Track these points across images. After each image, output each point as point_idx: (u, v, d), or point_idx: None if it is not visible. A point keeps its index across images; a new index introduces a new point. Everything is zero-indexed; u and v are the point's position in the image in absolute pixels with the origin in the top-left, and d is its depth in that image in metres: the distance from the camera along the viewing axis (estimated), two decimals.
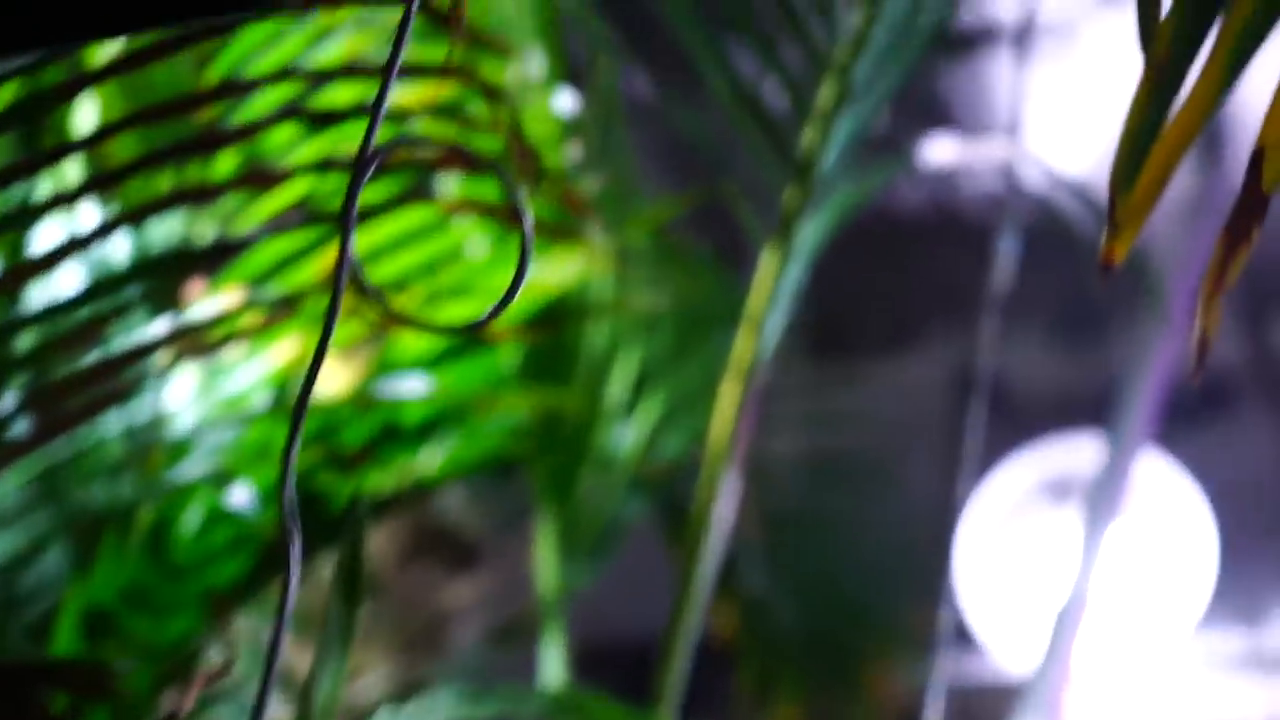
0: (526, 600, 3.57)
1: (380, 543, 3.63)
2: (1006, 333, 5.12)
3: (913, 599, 2.99)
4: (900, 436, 2.92)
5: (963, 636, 5.37)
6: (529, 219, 0.80)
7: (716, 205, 2.00)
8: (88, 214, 1.76)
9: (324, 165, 1.52)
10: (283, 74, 1.53)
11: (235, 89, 1.55)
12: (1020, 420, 5.73)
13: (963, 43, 3.76)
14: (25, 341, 1.75)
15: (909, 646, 2.99)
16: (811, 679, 2.96)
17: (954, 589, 5.04)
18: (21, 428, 1.97)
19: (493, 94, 1.33)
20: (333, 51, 1.62)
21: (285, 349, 1.71)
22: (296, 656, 3.38)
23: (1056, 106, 3.79)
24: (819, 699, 2.98)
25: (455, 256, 1.68)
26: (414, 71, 1.47)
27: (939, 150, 2.15)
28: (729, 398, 1.84)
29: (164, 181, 1.69)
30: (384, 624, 3.57)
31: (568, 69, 1.95)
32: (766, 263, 1.85)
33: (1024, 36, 2.40)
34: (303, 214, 1.60)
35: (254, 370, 1.77)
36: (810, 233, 1.85)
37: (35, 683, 0.96)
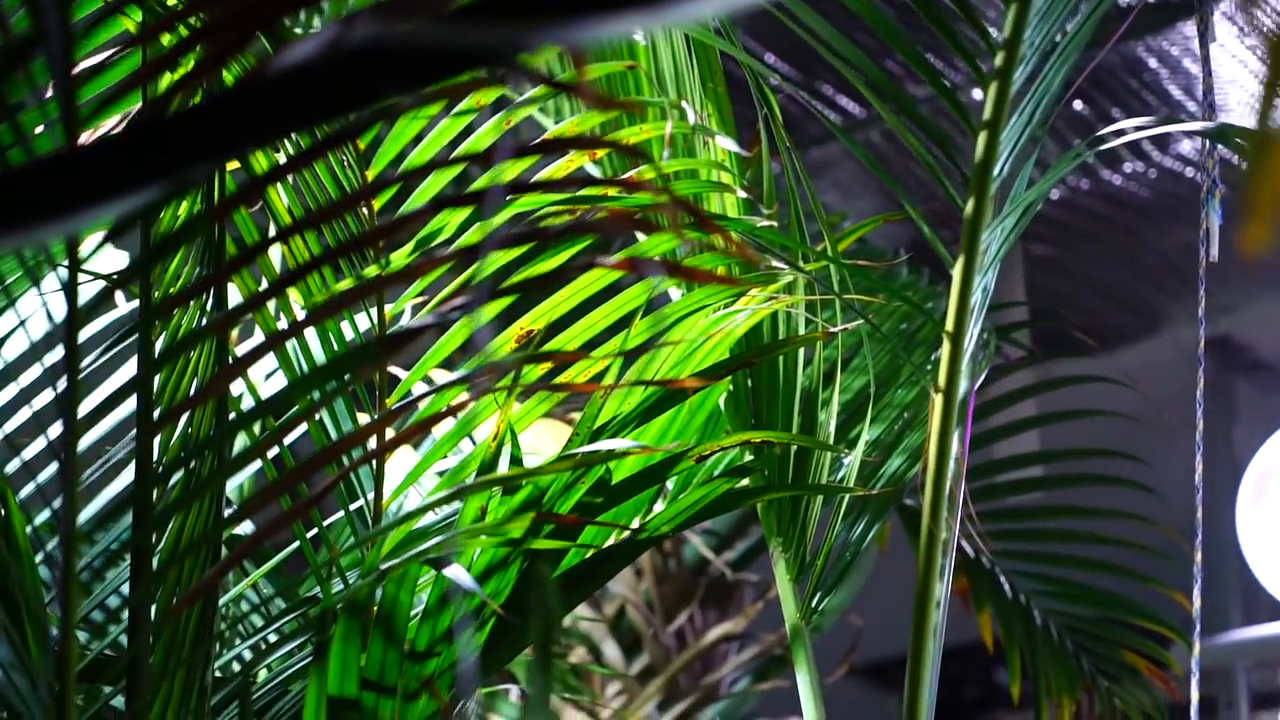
0: (783, 632, 3.58)
1: (641, 595, 3.66)
2: (1256, 300, 5.01)
3: (1184, 583, 2.95)
4: (1155, 421, 2.87)
5: (1259, 607, 5.27)
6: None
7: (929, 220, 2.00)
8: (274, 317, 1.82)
9: (510, 240, 1.54)
10: (446, 161, 1.57)
11: (402, 178, 1.58)
12: (1277, 386, 5.62)
13: (1150, 23, 3.71)
14: (240, 440, 1.81)
15: (1179, 627, 2.95)
16: (1080, 673, 2.92)
17: (1236, 561, 4.96)
18: (244, 528, 2.03)
19: (638, 154, 1.34)
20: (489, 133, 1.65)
21: (487, 426, 1.73)
22: (567, 717, 3.42)
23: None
24: (1095, 692, 2.95)
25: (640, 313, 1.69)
26: (565, 144, 1.48)
27: (1134, 132, 2.12)
28: (937, 410, 1.83)
29: (345, 281, 1.74)
30: (655, 674, 3.59)
31: (735, 112, 1.97)
32: (957, 275, 1.84)
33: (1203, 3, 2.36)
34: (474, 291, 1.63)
35: (463, 449, 1.80)
36: (994, 240, 1.83)
37: None
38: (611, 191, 1.60)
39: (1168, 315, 5.50)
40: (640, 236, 1.95)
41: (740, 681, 3.75)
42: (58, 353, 1.53)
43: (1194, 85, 4.18)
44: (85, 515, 1.88)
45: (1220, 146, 2.23)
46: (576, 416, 3.02)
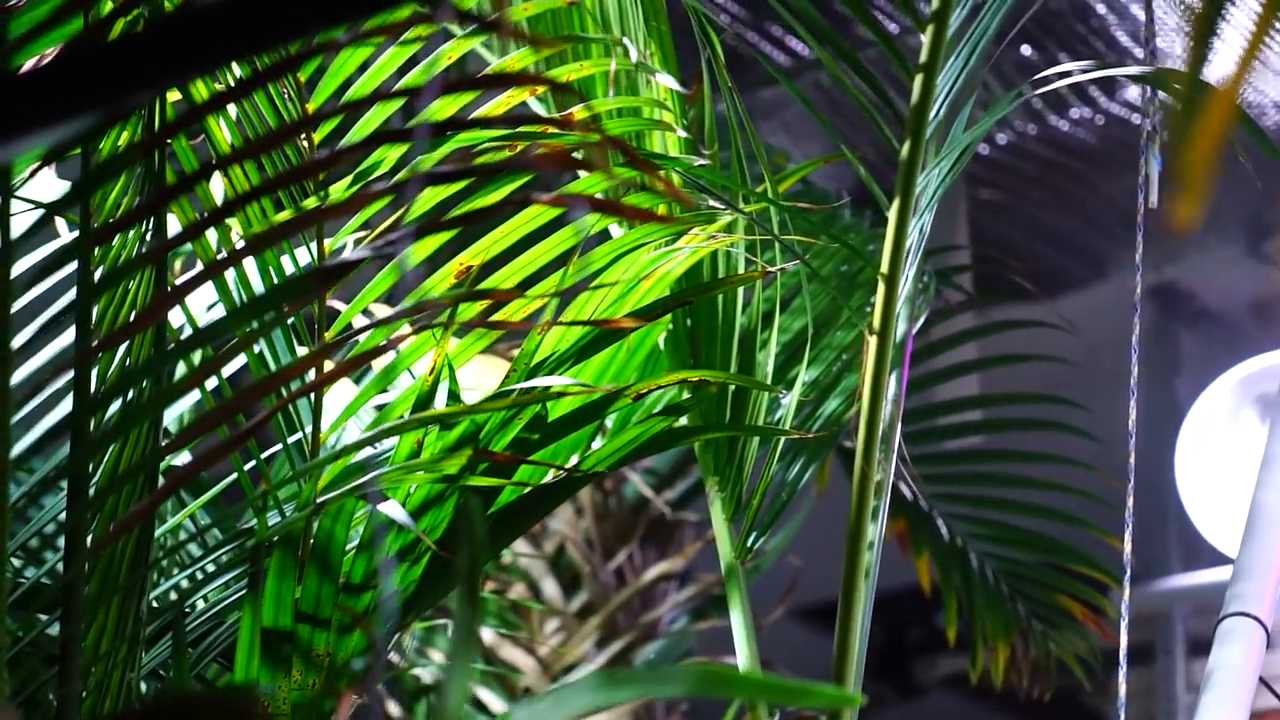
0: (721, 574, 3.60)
1: (581, 533, 3.67)
2: (1201, 249, 5.05)
3: (1121, 527, 2.97)
4: (1095, 367, 2.89)
5: (1198, 553, 5.31)
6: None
7: (869, 165, 2.00)
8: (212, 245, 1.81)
9: (441, 177, 1.54)
10: (387, 94, 1.56)
11: (344, 109, 1.58)
12: (1221, 335, 5.65)
13: None
14: (177, 370, 1.81)
15: (1114, 573, 2.97)
16: (1016, 617, 2.95)
17: (1175, 508, 4.99)
18: (182, 458, 2.02)
19: (574, 92, 1.34)
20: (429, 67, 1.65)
21: (425, 360, 1.74)
22: (504, 652, 3.43)
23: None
24: (1031, 636, 2.97)
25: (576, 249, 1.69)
26: (501, 80, 1.48)
27: (1076, 75, 2.12)
28: (871, 352, 1.84)
29: (284, 213, 1.74)
30: (593, 612, 3.60)
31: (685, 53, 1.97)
32: (892, 217, 1.85)
33: None
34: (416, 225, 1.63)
35: (401, 384, 1.81)
36: (930, 183, 1.84)
37: (187, 715, 0.98)
38: (550, 129, 1.60)
39: (1114, 261, 5.52)
40: (581, 175, 1.95)
41: (678, 620, 3.77)
42: None
43: (1141, 32, 4.19)
44: (24, 443, 1.88)
45: (1161, 93, 2.24)
46: (512, 351, 3.03)
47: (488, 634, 3.38)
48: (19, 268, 1.77)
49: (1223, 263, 5.49)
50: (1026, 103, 4.46)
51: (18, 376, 1.64)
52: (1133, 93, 4.43)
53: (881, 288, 1.85)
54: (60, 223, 2.09)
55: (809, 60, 4.26)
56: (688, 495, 3.82)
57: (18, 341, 1.68)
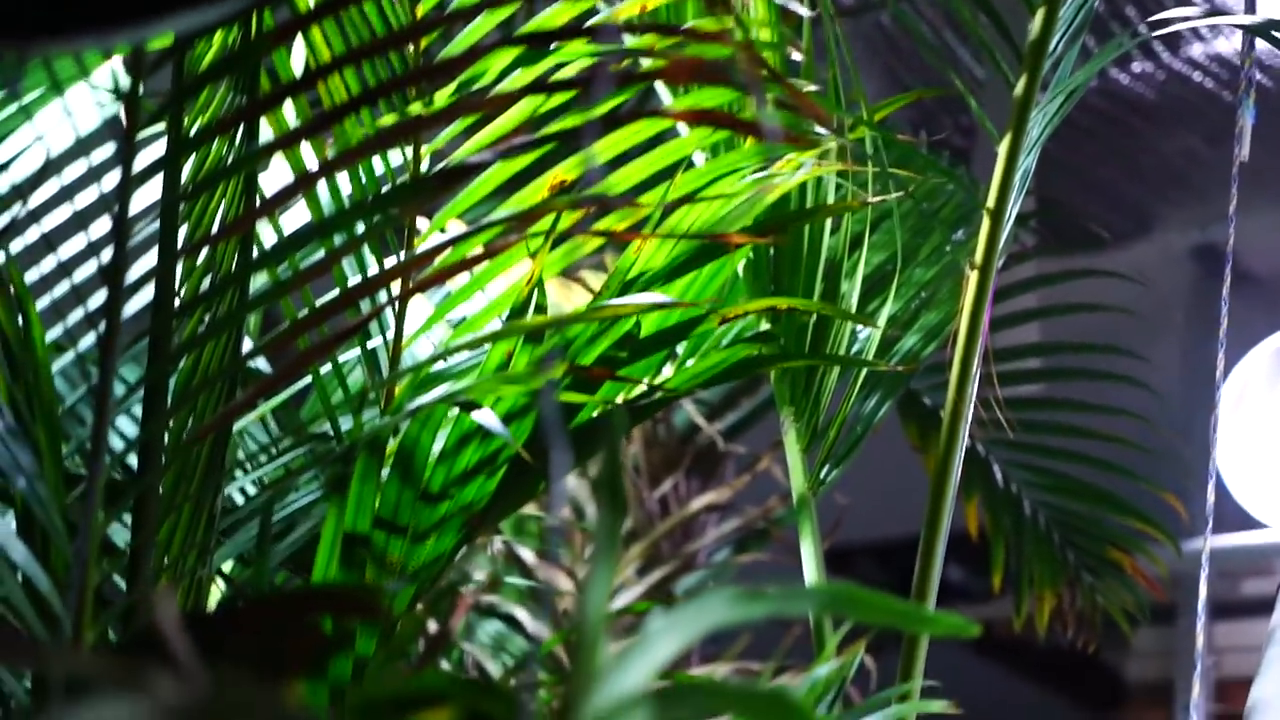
0: (768, 506, 3.59)
1: (629, 458, 3.66)
2: (1246, 210, 5.03)
3: (1166, 482, 2.96)
4: (1145, 323, 2.87)
5: (1225, 516, 5.30)
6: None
7: (926, 107, 1.97)
8: (308, 156, 1.79)
9: (548, 87, 1.52)
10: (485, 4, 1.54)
11: (449, 19, 1.56)
12: (1267, 299, 5.62)
13: None
14: (259, 281, 1.79)
15: (1167, 529, 2.96)
16: (1065, 567, 2.93)
17: (1213, 469, 4.98)
18: (262, 365, 2.01)
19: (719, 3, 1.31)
20: None
21: (516, 270, 1.72)
22: (547, 573, 3.42)
23: None
24: (1079, 586, 2.96)
25: (678, 169, 1.67)
26: None
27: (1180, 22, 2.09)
28: (971, 287, 1.82)
29: (383, 119, 1.71)
30: (636, 539, 3.60)
31: None
32: (1002, 154, 1.82)
33: None
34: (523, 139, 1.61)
35: (488, 295, 1.79)
36: (1041, 121, 1.81)
37: (306, 609, 0.97)
38: (661, 42, 1.58)
39: (1160, 219, 5.49)
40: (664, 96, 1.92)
41: (719, 553, 3.76)
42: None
43: None
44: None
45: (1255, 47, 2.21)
46: (583, 274, 3.01)
47: (528, 554, 3.36)
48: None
49: (1267, 226, 5.46)
50: (1086, 53, 4.42)
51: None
52: (1196, 50, 4.39)
53: (986, 222, 1.83)
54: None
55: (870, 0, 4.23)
56: (735, 427, 3.80)
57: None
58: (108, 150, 1.73)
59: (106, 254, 1.47)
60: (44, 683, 1.48)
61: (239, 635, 0.98)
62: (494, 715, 0.82)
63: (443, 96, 1.69)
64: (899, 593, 1.68)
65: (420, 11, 1.67)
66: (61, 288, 1.70)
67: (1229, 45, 4.31)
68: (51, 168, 1.72)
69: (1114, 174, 5.21)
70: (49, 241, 1.64)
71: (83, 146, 1.63)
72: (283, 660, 0.98)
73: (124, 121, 1.40)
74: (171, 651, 0.75)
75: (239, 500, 1.93)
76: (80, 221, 1.63)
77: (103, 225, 1.50)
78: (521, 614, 3.19)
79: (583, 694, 0.79)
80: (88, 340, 1.75)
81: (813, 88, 1.75)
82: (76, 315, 1.75)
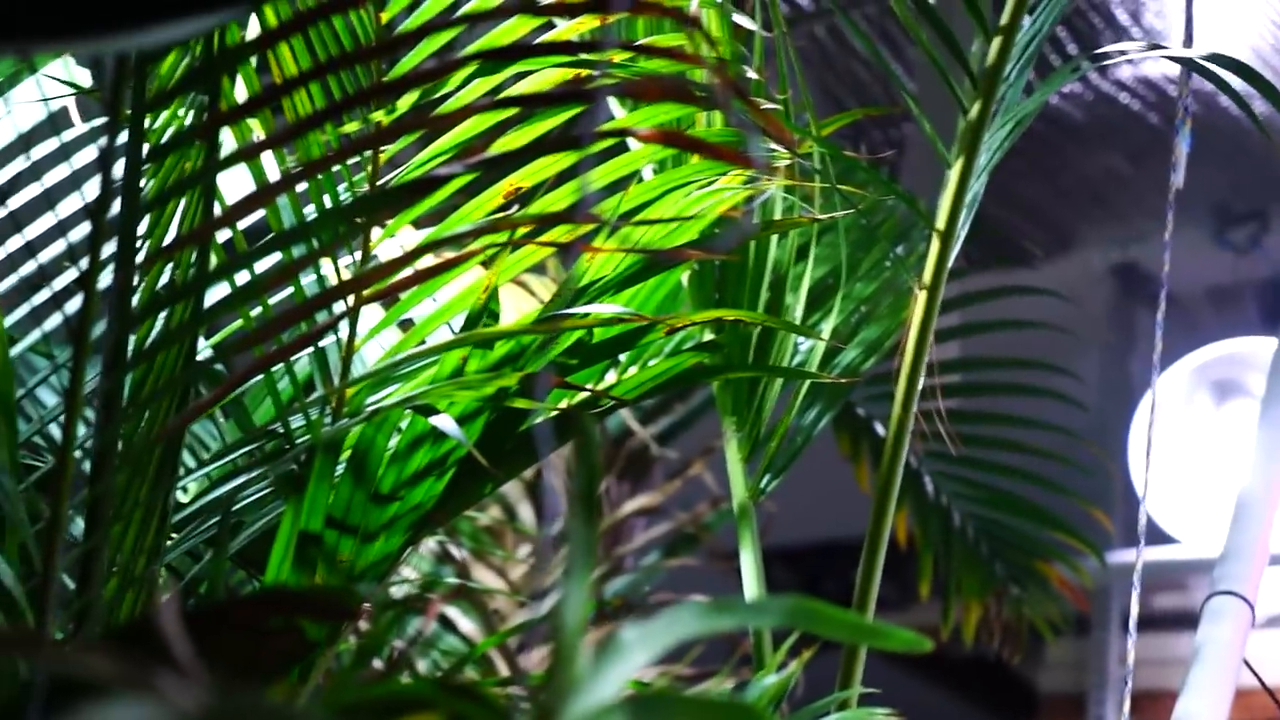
0: (698, 511, 3.61)
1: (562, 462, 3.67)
2: (1162, 231, 5.08)
3: (1090, 495, 3.00)
4: (1064, 340, 2.92)
5: (1132, 533, 5.37)
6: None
7: (858, 122, 2.00)
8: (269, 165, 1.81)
9: (505, 102, 1.54)
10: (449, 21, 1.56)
11: (408, 39, 1.57)
12: (1184, 319, 5.69)
13: None
14: (219, 290, 1.80)
15: (1089, 542, 3.01)
16: (993, 577, 2.98)
17: (1131, 484, 5.05)
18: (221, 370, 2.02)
19: (686, 20, 1.34)
20: None
21: (466, 277, 1.74)
22: (481, 577, 3.44)
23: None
24: (1001, 596, 3.00)
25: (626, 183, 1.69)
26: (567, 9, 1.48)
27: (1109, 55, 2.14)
28: (919, 306, 1.85)
29: (345, 128, 1.73)
30: (566, 540, 3.61)
31: None
32: (954, 177, 1.85)
33: None
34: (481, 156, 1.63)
35: (438, 300, 1.81)
36: (994, 144, 1.85)
37: (284, 611, 0.99)
38: (617, 58, 1.60)
39: (1080, 238, 5.55)
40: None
41: (649, 556, 3.78)
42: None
43: (1140, 9, 4.21)
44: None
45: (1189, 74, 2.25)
46: (530, 280, 3.03)
47: (461, 553, 3.38)
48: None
49: (1185, 246, 5.53)
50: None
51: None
52: (1125, 72, 4.44)
53: (936, 243, 1.86)
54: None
55: (808, 12, 4.26)
56: (667, 432, 3.82)
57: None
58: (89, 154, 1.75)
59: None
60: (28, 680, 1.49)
61: (215, 637, 1.00)
62: None
63: (404, 103, 1.71)
64: (809, 596, 1.71)
65: (385, 18, 1.69)
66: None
67: (1156, 69, 4.37)
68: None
69: (1037, 191, 5.26)
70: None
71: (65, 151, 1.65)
72: (258, 662, 1.00)
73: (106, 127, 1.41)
74: (170, 652, 0.77)
75: (183, 498, 1.94)
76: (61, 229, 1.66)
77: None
78: (453, 612, 3.21)
79: (561, 702, 0.81)
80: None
81: (772, 106, 1.78)
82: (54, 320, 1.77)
